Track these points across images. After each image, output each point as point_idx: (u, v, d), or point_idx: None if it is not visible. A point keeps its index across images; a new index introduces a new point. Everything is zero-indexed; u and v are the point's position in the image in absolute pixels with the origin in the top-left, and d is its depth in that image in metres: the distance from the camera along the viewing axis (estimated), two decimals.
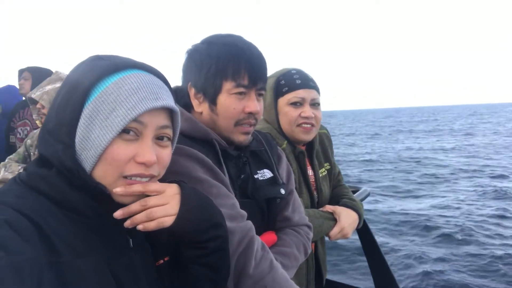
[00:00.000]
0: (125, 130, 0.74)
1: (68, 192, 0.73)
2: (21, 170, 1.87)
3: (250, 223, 1.09)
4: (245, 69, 1.11)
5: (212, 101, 1.14)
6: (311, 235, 1.33)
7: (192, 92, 1.17)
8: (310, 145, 1.77)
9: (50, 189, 0.73)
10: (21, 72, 3.33)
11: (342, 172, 2.08)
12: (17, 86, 3.43)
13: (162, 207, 0.79)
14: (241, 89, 1.12)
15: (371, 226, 2.26)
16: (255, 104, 1.14)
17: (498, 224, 7.05)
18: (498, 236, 6.45)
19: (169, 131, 0.81)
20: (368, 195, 2.15)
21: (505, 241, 6.14)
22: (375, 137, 29.92)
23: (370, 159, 16.81)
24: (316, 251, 1.78)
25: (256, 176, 1.24)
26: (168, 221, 0.79)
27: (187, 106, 1.20)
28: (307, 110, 1.61)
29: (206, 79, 1.13)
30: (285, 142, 1.64)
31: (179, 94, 1.22)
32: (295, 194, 1.37)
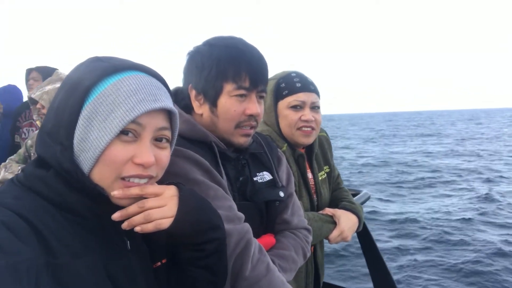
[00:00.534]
0: (124, 132, 0.73)
1: (66, 194, 0.73)
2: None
3: (247, 225, 1.08)
4: (246, 71, 1.10)
5: (213, 103, 1.14)
6: (310, 238, 1.33)
7: (192, 93, 1.17)
8: (309, 148, 1.77)
9: (48, 190, 0.73)
10: (29, 72, 3.30)
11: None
12: (21, 86, 3.42)
13: (160, 209, 0.79)
14: (242, 91, 1.11)
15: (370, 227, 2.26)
16: (255, 107, 1.14)
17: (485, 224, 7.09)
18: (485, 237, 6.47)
19: (167, 133, 0.81)
20: (368, 198, 2.15)
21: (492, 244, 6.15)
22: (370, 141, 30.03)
23: (363, 163, 16.83)
24: (315, 255, 1.77)
25: (255, 179, 1.23)
26: (166, 223, 0.79)
27: (188, 107, 1.20)
28: (307, 114, 1.61)
29: (207, 81, 1.12)
30: (285, 144, 1.64)
31: (180, 96, 1.21)
32: (295, 197, 1.36)
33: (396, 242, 6.56)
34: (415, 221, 7.66)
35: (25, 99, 3.52)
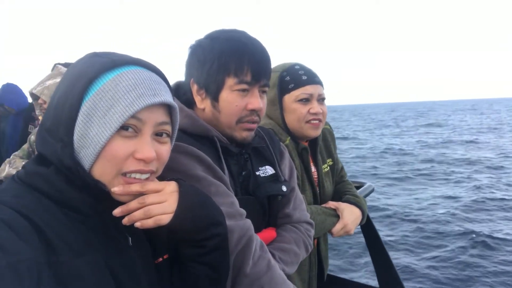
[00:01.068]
0: (124, 127, 0.73)
1: (67, 190, 0.73)
2: None
3: (249, 221, 1.08)
4: (248, 65, 1.09)
5: (214, 98, 1.12)
6: (312, 232, 1.32)
7: (194, 88, 1.16)
8: (313, 141, 1.76)
9: (48, 188, 0.73)
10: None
11: None
12: (21, 86, 3.39)
13: (160, 205, 0.79)
14: (244, 86, 1.10)
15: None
16: (258, 101, 1.12)
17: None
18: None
19: (168, 127, 0.81)
20: (372, 191, 2.14)
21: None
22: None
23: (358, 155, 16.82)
24: (319, 247, 1.77)
25: (257, 173, 1.23)
26: (165, 219, 0.79)
27: (190, 102, 1.19)
28: (315, 106, 1.60)
29: (209, 75, 1.11)
30: (288, 138, 1.63)
31: (181, 90, 1.20)
32: (297, 191, 1.35)
33: (395, 234, 6.57)
34: (414, 212, 7.65)
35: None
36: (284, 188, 1.25)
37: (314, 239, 1.47)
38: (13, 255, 0.58)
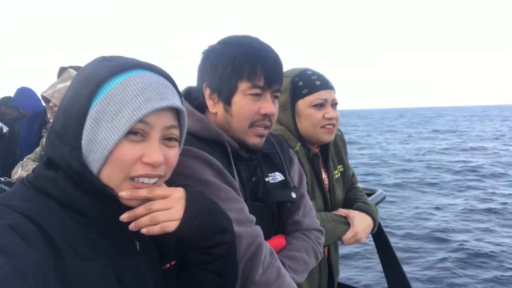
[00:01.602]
0: (132, 131, 0.73)
1: (75, 195, 0.73)
2: None
3: (258, 228, 1.06)
4: (261, 70, 1.09)
5: (227, 102, 1.12)
6: (322, 239, 1.30)
7: (207, 92, 1.16)
8: (324, 147, 1.74)
9: (57, 192, 0.73)
10: (62, 70, 3.26)
11: None
12: (21, 85, 3.42)
13: (167, 212, 0.78)
14: (257, 90, 1.10)
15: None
16: (270, 106, 1.12)
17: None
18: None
19: (176, 131, 0.81)
20: (383, 198, 2.10)
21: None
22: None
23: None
24: (329, 255, 1.74)
25: (267, 179, 1.21)
26: (172, 225, 0.78)
27: (202, 107, 1.19)
28: (330, 111, 1.60)
29: (221, 79, 1.11)
30: (298, 144, 1.62)
31: (193, 95, 1.20)
32: (307, 197, 1.34)
33: (404, 242, 6.47)
34: (422, 219, 7.54)
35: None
36: (293, 195, 1.23)
37: (324, 246, 1.44)
38: (19, 260, 0.58)
